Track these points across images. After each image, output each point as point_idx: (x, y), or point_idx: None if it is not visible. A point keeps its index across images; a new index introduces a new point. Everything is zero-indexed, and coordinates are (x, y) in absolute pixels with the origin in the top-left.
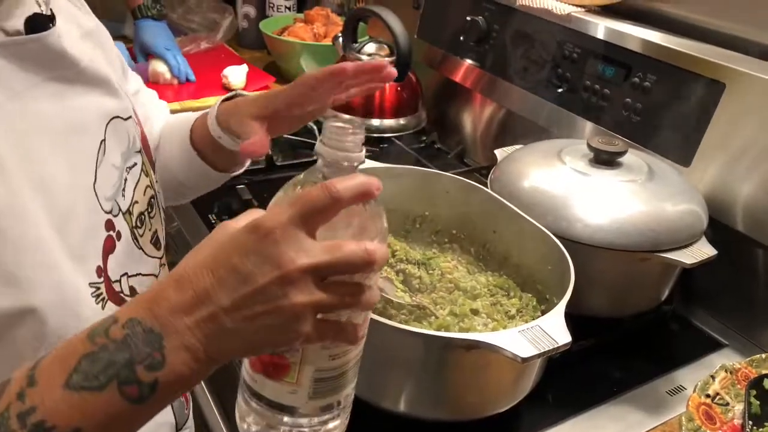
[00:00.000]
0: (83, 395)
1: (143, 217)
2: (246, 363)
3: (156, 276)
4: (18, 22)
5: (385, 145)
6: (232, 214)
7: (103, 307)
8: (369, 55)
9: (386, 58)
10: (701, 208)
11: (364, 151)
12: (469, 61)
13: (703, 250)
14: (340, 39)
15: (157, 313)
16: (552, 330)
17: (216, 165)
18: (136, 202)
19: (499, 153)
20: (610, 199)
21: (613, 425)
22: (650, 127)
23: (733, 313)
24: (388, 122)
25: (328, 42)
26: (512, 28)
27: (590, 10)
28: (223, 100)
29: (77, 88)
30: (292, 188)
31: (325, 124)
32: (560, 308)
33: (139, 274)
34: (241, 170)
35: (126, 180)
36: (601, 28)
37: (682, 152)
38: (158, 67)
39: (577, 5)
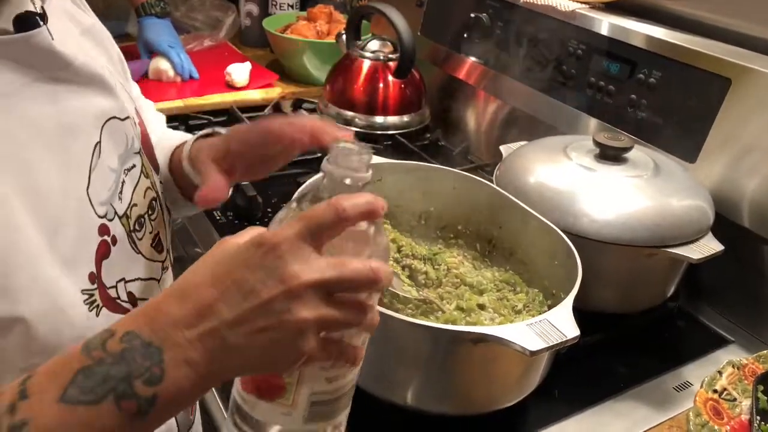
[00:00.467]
0: (79, 410)
1: (142, 220)
2: (237, 383)
3: (158, 280)
4: (5, 21)
5: (389, 143)
6: (237, 210)
7: (97, 314)
8: (372, 52)
9: (390, 55)
10: (707, 203)
11: (370, 172)
12: (472, 59)
13: (709, 246)
14: (344, 36)
15: (157, 327)
16: (560, 324)
17: (189, 197)
18: (135, 204)
19: (504, 149)
20: (617, 194)
21: (620, 421)
22: (655, 123)
23: (739, 309)
24: (392, 119)
25: (331, 39)
26: (516, 25)
27: (594, 6)
28: (199, 137)
29: (71, 88)
30: (296, 205)
31: (332, 145)
32: (568, 302)
33: (138, 279)
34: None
35: (124, 182)
36: (606, 24)
37: (688, 148)
38: (161, 64)
39: (581, 1)
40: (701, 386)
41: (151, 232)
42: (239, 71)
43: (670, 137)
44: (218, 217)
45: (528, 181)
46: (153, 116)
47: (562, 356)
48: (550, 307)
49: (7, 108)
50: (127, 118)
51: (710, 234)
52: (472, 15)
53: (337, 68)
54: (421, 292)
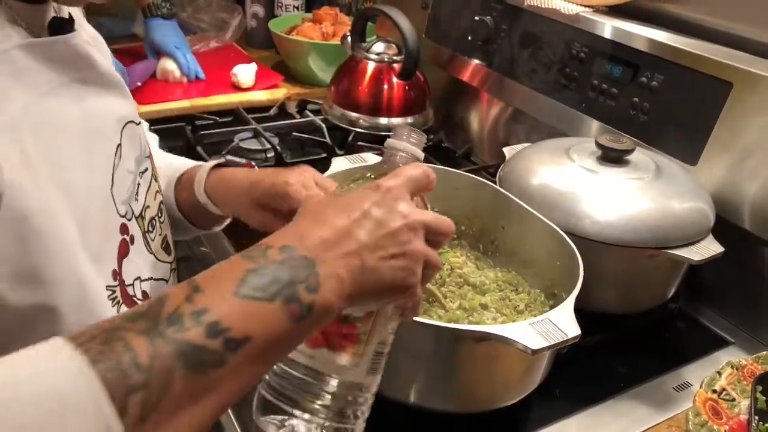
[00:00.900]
0: (253, 305)
1: (154, 221)
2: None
3: (167, 281)
4: (39, 27)
5: None
6: None
7: (118, 311)
8: (377, 53)
9: (394, 57)
10: (708, 205)
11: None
12: (476, 61)
13: (710, 248)
14: (349, 38)
15: (308, 245)
16: (562, 323)
17: (196, 224)
18: (148, 206)
19: (508, 151)
20: (618, 196)
21: (620, 420)
22: (657, 126)
23: (739, 310)
24: (396, 121)
25: (336, 41)
26: (520, 28)
27: (598, 10)
28: (213, 167)
29: (96, 91)
30: (369, 174)
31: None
32: (569, 302)
33: (151, 278)
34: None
35: (139, 185)
36: (609, 27)
37: (689, 151)
38: (168, 65)
39: (585, 5)
40: (700, 386)
41: (160, 234)
42: (245, 72)
43: (672, 140)
44: None
45: (531, 183)
46: (149, 134)
47: (564, 356)
48: (551, 307)
49: (46, 106)
50: (140, 123)
51: (711, 236)
52: (477, 18)
53: (342, 70)
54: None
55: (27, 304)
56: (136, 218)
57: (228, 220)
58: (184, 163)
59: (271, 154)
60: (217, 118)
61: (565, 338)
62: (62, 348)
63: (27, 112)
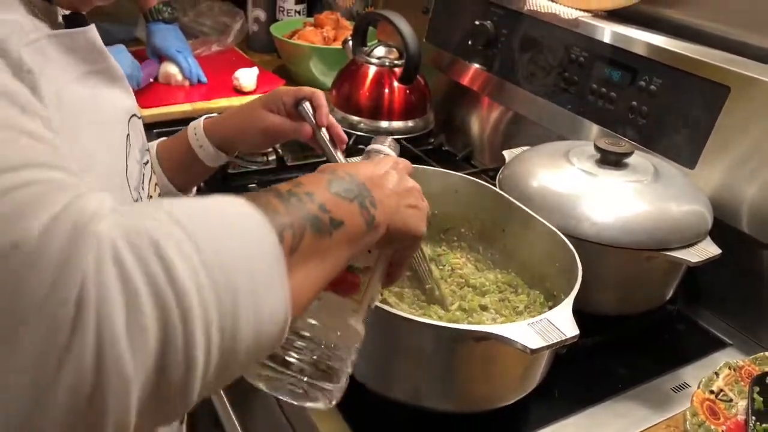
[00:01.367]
0: (341, 200)
1: None
2: None
3: None
4: (54, 22)
5: None
6: None
7: None
8: (378, 58)
9: (395, 61)
10: (706, 208)
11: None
12: (476, 65)
13: (707, 250)
14: (350, 43)
15: (360, 177)
16: (560, 323)
17: (174, 181)
18: (150, 196)
19: (507, 154)
20: (617, 198)
21: (618, 420)
22: (656, 129)
23: (737, 312)
24: (397, 124)
25: (337, 45)
26: (520, 33)
27: (597, 14)
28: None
29: (107, 83)
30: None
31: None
32: (568, 302)
33: None
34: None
35: (144, 174)
36: (608, 32)
37: (688, 154)
38: (170, 68)
39: (584, 10)
40: (698, 387)
41: None
42: (247, 76)
43: (670, 143)
44: None
45: (530, 186)
46: None
47: (563, 357)
48: (550, 309)
49: (70, 94)
50: (141, 117)
51: (708, 238)
52: (477, 22)
53: (343, 74)
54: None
55: None
56: None
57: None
58: (156, 141)
59: (272, 157)
60: None
61: (564, 338)
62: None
63: (57, 98)
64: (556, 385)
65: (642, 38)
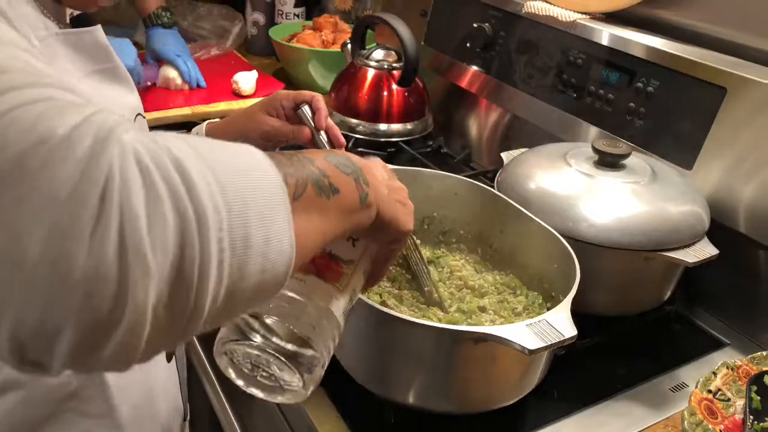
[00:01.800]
0: (338, 171)
1: None
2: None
3: None
4: (64, 20)
5: (393, 150)
6: None
7: None
8: (377, 61)
9: (394, 64)
10: (703, 209)
11: None
12: (475, 68)
13: (705, 250)
14: (349, 46)
15: (355, 161)
16: (558, 324)
17: None
18: None
19: (506, 156)
20: (615, 199)
21: (617, 420)
22: (653, 131)
23: (734, 312)
24: (396, 127)
25: (336, 49)
26: (518, 35)
27: (595, 17)
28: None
29: (112, 82)
30: None
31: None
32: (566, 303)
33: None
34: None
35: None
36: (606, 34)
37: (685, 155)
38: (169, 72)
39: (581, 12)
40: (696, 386)
41: None
42: (246, 79)
43: (668, 144)
44: None
45: (528, 187)
46: None
47: (561, 357)
48: (549, 309)
49: (78, 92)
50: (145, 117)
51: (706, 238)
52: (475, 25)
53: (342, 77)
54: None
55: None
56: None
57: None
58: None
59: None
60: None
61: (562, 338)
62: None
63: None
64: (555, 385)
65: (639, 40)
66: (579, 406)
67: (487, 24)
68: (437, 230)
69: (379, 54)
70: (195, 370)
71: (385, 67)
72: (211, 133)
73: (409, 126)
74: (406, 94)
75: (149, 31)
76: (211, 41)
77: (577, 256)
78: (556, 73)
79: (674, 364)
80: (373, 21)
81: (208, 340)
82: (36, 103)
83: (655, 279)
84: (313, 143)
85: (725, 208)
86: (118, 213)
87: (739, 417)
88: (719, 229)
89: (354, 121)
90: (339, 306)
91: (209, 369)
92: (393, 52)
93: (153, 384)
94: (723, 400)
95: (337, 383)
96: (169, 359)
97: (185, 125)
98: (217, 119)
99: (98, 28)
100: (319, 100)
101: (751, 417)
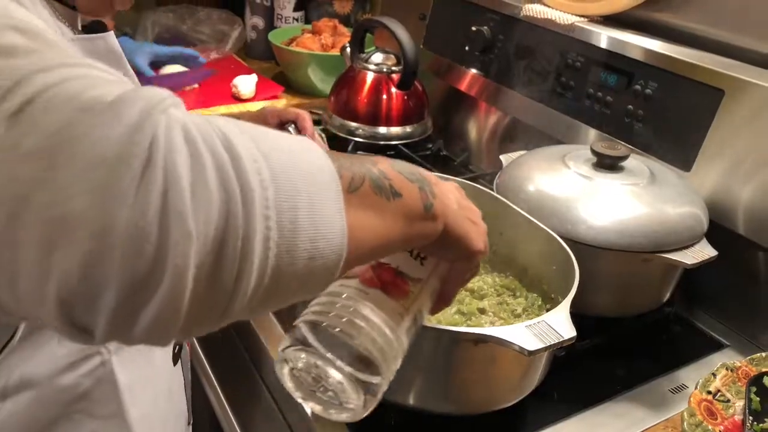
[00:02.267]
0: (402, 177)
1: None
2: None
3: None
4: (76, 26)
5: (392, 153)
6: None
7: None
8: (376, 64)
9: (393, 68)
10: (701, 210)
11: None
12: (474, 71)
13: (703, 251)
14: (348, 49)
15: (420, 170)
16: (557, 325)
17: None
18: None
19: (504, 158)
20: (613, 201)
21: (616, 422)
22: (652, 133)
23: (733, 314)
24: (395, 130)
25: (335, 52)
26: (516, 38)
27: (593, 19)
28: None
29: None
30: None
31: None
32: (565, 305)
33: None
34: None
35: None
36: (604, 37)
37: (683, 157)
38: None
39: (580, 15)
40: (696, 387)
41: None
42: (245, 83)
43: (666, 146)
44: None
45: (527, 190)
46: None
47: (560, 359)
48: (548, 311)
49: None
50: None
51: (704, 240)
52: (474, 28)
53: (342, 80)
54: None
55: None
56: None
57: None
58: None
59: None
60: None
61: (561, 340)
62: None
63: None
64: (555, 387)
65: (637, 43)
66: (579, 407)
67: (485, 27)
68: None
69: (378, 57)
70: (197, 376)
71: (385, 70)
72: None
73: (408, 129)
74: (405, 97)
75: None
76: (210, 45)
77: (576, 258)
78: (555, 76)
79: (674, 365)
80: (372, 24)
81: (210, 347)
82: (86, 78)
83: (654, 280)
84: None
85: (724, 210)
86: (162, 176)
87: (738, 418)
88: (718, 231)
89: (353, 124)
90: (403, 326)
91: (211, 374)
92: (392, 56)
93: (161, 387)
94: (722, 401)
95: None
96: (175, 362)
97: None
98: None
99: (111, 35)
100: (305, 119)
101: (751, 418)
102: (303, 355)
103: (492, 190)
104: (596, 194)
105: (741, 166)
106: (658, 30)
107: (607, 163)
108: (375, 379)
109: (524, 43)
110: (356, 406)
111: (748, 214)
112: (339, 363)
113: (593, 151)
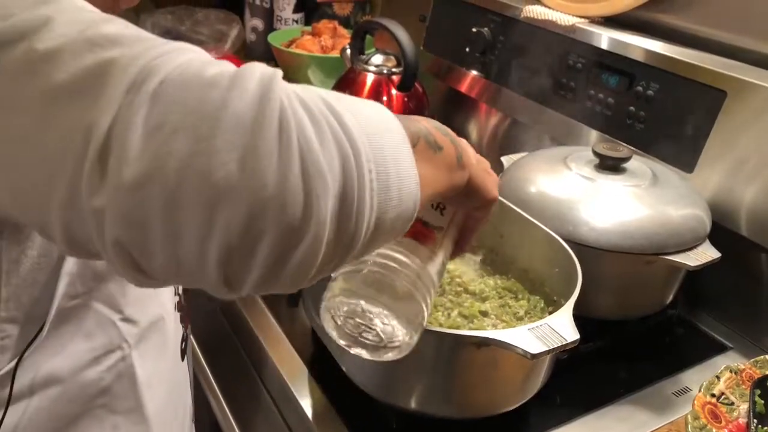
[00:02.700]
0: (438, 133)
1: None
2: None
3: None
4: None
5: None
6: None
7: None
8: (376, 66)
9: (393, 69)
10: (704, 212)
11: None
12: (474, 72)
13: (706, 253)
14: (348, 51)
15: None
16: (560, 328)
17: None
18: None
19: (506, 160)
20: (616, 203)
21: (620, 425)
22: (654, 134)
23: (737, 316)
24: None
25: (335, 54)
26: (517, 40)
27: (594, 21)
28: None
29: None
30: None
31: None
32: (568, 307)
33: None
34: None
35: None
36: (605, 38)
37: (685, 159)
38: None
39: (581, 16)
40: (699, 390)
41: None
42: None
43: (668, 148)
44: None
45: (529, 191)
46: None
47: (563, 362)
48: (551, 314)
49: None
50: None
51: (707, 242)
52: (474, 29)
53: (342, 82)
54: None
55: (149, 320)
56: None
57: None
58: None
59: None
60: None
61: (564, 343)
62: None
63: None
64: (558, 390)
65: (639, 44)
66: (582, 410)
67: (486, 28)
68: None
69: (378, 59)
70: (196, 376)
71: (385, 72)
72: None
73: None
74: (405, 99)
75: None
76: (209, 45)
77: (578, 260)
78: (556, 78)
79: (677, 368)
80: (372, 26)
81: (210, 347)
82: (196, 58)
83: (657, 282)
84: None
85: (727, 211)
86: (296, 137)
87: (742, 421)
88: (721, 232)
89: None
90: (434, 268)
91: (210, 375)
92: (392, 57)
93: (173, 382)
94: (726, 404)
95: (338, 389)
96: (182, 357)
97: None
98: None
99: None
100: None
101: (755, 421)
102: (349, 301)
103: None
104: (598, 196)
105: (744, 167)
106: (659, 31)
107: (609, 165)
108: (419, 314)
109: (525, 45)
110: (402, 342)
111: (751, 216)
112: (385, 299)
113: (595, 153)
